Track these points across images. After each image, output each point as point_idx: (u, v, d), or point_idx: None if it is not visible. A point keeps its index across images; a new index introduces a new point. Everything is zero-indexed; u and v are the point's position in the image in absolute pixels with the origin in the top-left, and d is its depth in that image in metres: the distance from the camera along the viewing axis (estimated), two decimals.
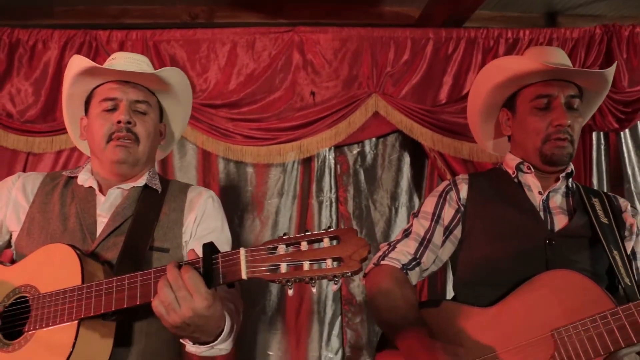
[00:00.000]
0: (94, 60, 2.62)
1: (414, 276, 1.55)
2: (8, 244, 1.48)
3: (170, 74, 1.53)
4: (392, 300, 1.41)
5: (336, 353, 2.69)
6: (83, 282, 1.21)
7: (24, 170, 2.68)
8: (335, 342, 2.69)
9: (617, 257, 1.39)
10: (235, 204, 2.70)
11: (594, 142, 2.77)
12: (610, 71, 1.59)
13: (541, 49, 1.70)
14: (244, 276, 1.04)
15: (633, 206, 1.61)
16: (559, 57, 1.58)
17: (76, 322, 1.17)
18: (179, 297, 1.06)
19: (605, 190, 2.73)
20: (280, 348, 2.67)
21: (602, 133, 2.81)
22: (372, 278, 1.52)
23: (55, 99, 2.70)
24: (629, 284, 1.34)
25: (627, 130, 2.80)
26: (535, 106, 1.53)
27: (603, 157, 2.82)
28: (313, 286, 1.03)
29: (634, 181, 2.79)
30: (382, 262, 1.54)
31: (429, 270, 1.59)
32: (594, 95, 1.65)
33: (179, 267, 1.08)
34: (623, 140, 2.82)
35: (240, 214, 2.70)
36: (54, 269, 1.25)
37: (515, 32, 2.72)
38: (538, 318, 1.23)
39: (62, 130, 2.63)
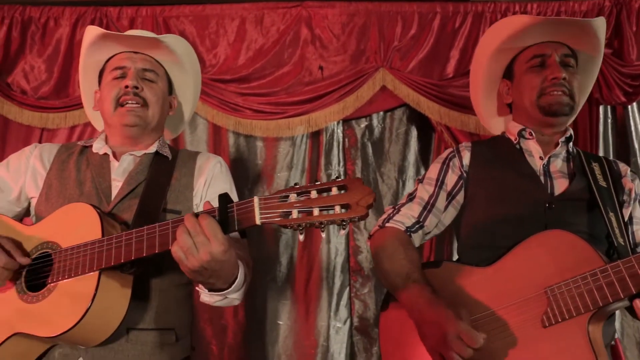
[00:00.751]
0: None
1: (417, 239, 1.63)
2: (27, 212, 1.58)
3: (174, 41, 1.63)
4: (396, 260, 1.49)
5: (344, 322, 2.79)
6: (103, 236, 1.29)
7: None
8: (343, 312, 2.80)
9: (613, 219, 1.45)
10: (245, 178, 2.80)
11: (601, 115, 2.82)
12: (598, 23, 1.62)
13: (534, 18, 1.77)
14: (257, 222, 1.12)
15: (633, 170, 1.66)
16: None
17: (97, 272, 1.26)
18: (197, 242, 1.13)
19: None
20: (290, 317, 2.79)
21: (609, 107, 2.85)
22: (377, 239, 1.60)
23: (68, 76, 2.82)
24: (622, 244, 1.41)
25: (634, 104, 2.83)
26: (531, 65, 1.61)
27: (610, 131, 2.86)
28: (322, 231, 1.11)
29: None
30: (386, 225, 1.62)
31: (431, 233, 1.67)
32: (590, 62, 1.71)
33: (196, 216, 1.17)
34: (630, 114, 2.85)
35: (251, 187, 2.79)
36: (74, 226, 1.34)
37: (522, 5, 2.77)
38: (533, 276, 1.31)
39: (75, 106, 2.75)
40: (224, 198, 1.17)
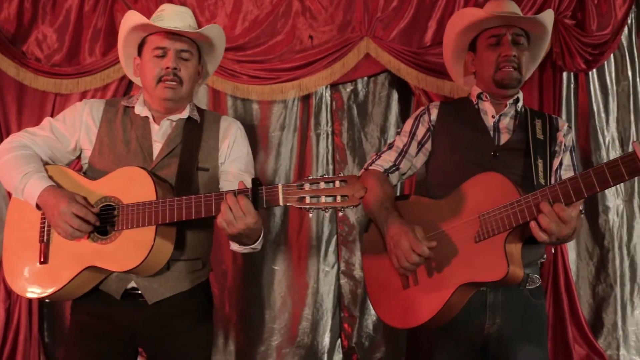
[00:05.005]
0: (111, 7, 3.18)
1: (394, 178, 2.14)
2: (77, 159, 2.03)
3: (211, 31, 1.98)
4: (374, 193, 2.00)
5: (332, 267, 3.30)
6: (157, 197, 1.73)
7: (53, 110, 3.21)
8: (331, 257, 3.30)
9: (540, 165, 1.94)
10: None
11: (564, 81, 3.27)
12: (545, 17, 2.09)
13: (498, 2, 2.17)
14: (281, 203, 1.58)
15: (569, 126, 2.12)
16: (510, 7, 2.11)
17: (155, 226, 1.72)
18: (236, 216, 1.59)
19: (572, 125, 3.32)
20: (284, 263, 3.28)
21: (572, 74, 3.30)
22: (363, 179, 2.07)
23: (79, 44, 3.22)
24: (542, 184, 1.90)
25: (594, 71, 3.29)
26: (489, 44, 2.06)
27: (572, 96, 3.32)
28: (327, 213, 1.61)
29: (598, 117, 3.30)
30: (370, 168, 2.15)
31: (406, 174, 2.19)
32: (540, 38, 2.18)
33: (235, 195, 1.61)
34: (590, 80, 3.31)
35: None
36: (133, 186, 1.78)
37: None
38: (471, 206, 1.81)
39: (86, 72, 3.18)
40: (255, 182, 1.61)
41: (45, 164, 1.95)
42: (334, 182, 1.56)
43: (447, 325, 1.86)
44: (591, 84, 3.34)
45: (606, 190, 3.29)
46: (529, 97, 3.19)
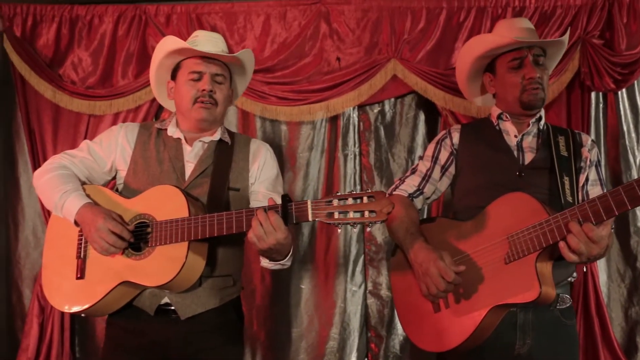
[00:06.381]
0: (144, 31, 3.31)
1: (418, 203, 2.18)
2: (112, 179, 2.13)
3: (244, 55, 2.09)
4: (399, 218, 2.04)
5: (360, 287, 3.34)
6: (189, 215, 1.79)
7: (87, 131, 3.35)
8: (358, 277, 3.34)
9: (567, 182, 1.96)
10: None
11: (593, 101, 3.29)
12: (564, 39, 2.15)
13: (510, 22, 2.25)
14: (310, 218, 1.63)
15: (593, 140, 2.14)
16: (523, 24, 2.17)
17: (187, 242, 1.78)
18: (266, 232, 1.65)
19: (602, 145, 3.32)
20: (311, 282, 3.34)
21: (601, 93, 3.31)
22: None
23: (112, 67, 3.35)
24: (570, 202, 1.92)
25: (624, 90, 3.29)
26: (510, 66, 2.10)
27: (601, 115, 3.33)
28: (355, 228, 1.68)
29: (628, 137, 3.30)
30: (394, 193, 2.19)
31: (430, 198, 2.23)
32: (555, 52, 2.24)
33: (266, 211, 1.67)
34: (620, 100, 3.32)
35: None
36: (166, 204, 1.85)
37: (521, 0, 3.25)
38: (499, 227, 1.83)
39: (119, 94, 3.30)
40: (285, 198, 1.67)
41: (83, 183, 2.04)
42: (361, 197, 1.60)
43: (478, 346, 1.87)
44: (621, 103, 3.35)
45: (638, 211, 3.28)
46: (557, 117, 3.22)
